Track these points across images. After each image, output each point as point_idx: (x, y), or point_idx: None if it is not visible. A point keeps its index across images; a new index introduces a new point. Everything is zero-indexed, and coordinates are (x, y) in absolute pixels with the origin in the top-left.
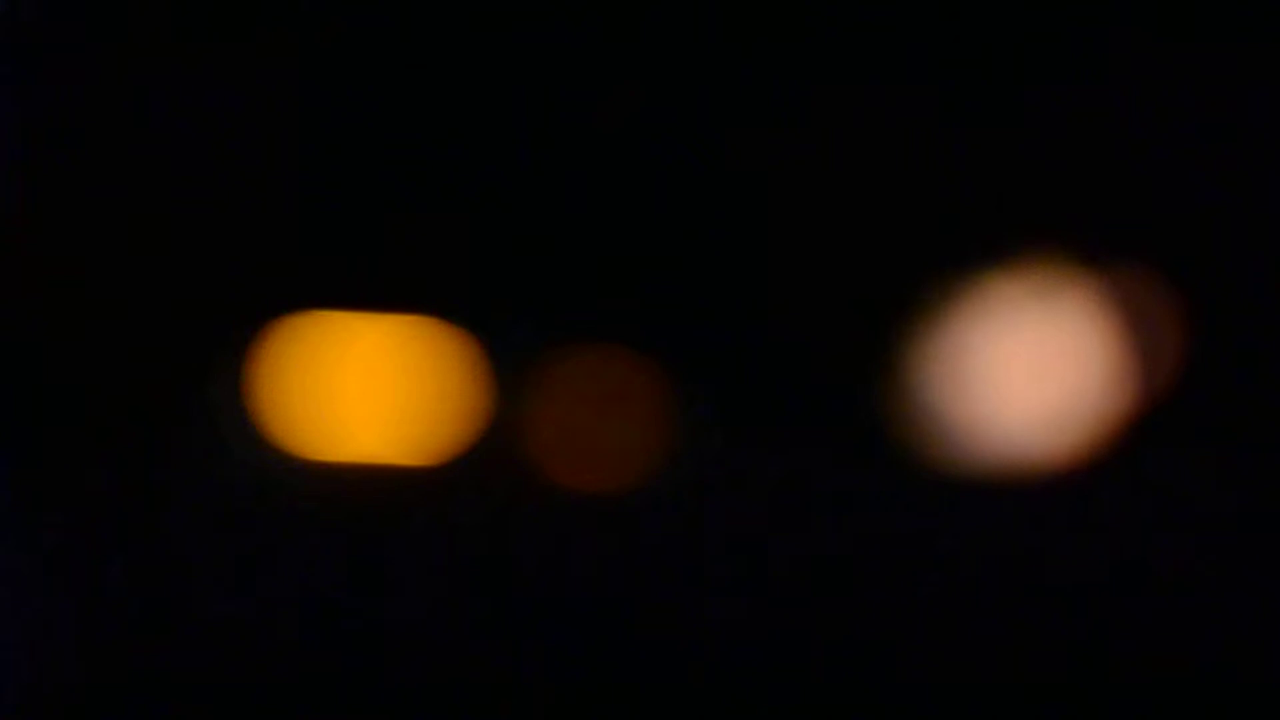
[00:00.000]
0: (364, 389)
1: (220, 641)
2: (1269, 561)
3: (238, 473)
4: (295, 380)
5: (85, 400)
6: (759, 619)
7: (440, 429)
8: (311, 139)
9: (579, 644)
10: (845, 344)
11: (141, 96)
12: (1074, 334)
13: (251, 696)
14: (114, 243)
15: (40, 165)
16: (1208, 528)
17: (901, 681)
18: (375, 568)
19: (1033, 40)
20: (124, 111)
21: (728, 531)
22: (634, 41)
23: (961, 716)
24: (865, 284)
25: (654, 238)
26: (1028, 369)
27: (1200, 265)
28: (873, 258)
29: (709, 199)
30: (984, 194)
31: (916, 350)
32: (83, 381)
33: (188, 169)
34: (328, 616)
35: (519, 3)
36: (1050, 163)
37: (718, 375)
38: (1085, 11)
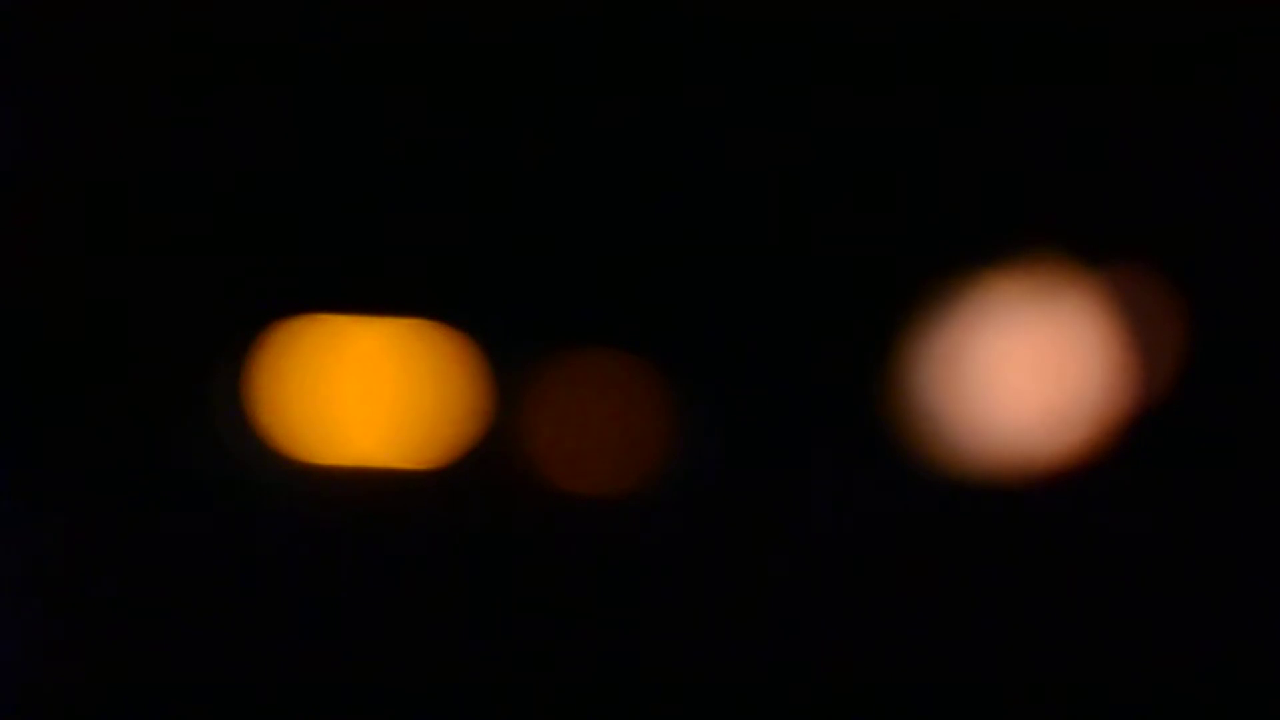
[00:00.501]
0: (363, 392)
1: (219, 643)
2: (1269, 562)
3: (237, 475)
4: (294, 383)
5: (85, 400)
6: (759, 621)
7: (439, 432)
8: (311, 141)
9: (579, 647)
10: (845, 344)
11: (142, 97)
12: (1074, 333)
13: (251, 698)
14: (114, 244)
15: (40, 165)
16: (1207, 528)
17: (901, 681)
18: (375, 571)
19: (1033, 40)
20: (124, 112)
21: (728, 534)
22: (634, 44)
23: (961, 716)
24: (865, 284)
25: (654, 240)
26: (1027, 369)
27: (1200, 265)
28: (873, 258)
29: (708, 200)
30: (984, 193)
31: (916, 350)
32: (83, 381)
33: (188, 170)
34: (327, 619)
35: (519, 3)
36: (1050, 162)
37: (717, 378)
38: (1086, 11)
